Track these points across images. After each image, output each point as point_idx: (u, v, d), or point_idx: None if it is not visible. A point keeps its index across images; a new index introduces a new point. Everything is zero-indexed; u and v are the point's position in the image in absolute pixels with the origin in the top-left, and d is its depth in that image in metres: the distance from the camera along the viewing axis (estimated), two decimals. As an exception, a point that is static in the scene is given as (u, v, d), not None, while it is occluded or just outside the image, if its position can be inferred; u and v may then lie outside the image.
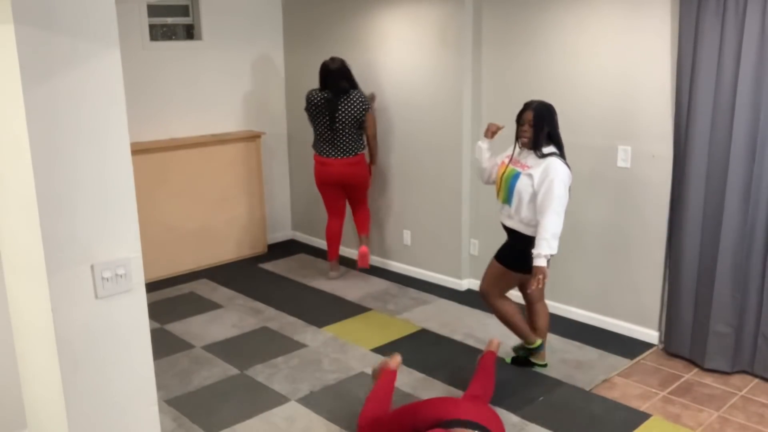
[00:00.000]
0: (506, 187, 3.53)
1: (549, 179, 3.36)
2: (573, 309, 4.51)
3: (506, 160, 3.61)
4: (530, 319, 3.83)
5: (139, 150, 5.01)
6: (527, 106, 3.51)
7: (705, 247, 3.77)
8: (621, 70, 4.00)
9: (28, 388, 2.47)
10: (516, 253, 3.59)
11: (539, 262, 3.38)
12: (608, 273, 4.29)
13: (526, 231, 3.52)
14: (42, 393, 2.26)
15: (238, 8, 5.69)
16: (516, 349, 3.93)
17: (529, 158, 3.49)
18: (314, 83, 5.79)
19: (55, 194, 1.92)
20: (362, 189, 5.20)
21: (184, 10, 5.54)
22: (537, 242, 3.37)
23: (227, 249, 5.78)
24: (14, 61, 1.81)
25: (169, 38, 5.55)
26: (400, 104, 5.16)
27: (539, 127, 3.43)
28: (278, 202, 6.28)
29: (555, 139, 3.48)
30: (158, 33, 5.46)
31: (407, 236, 5.34)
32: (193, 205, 5.51)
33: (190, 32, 5.61)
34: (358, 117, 4.92)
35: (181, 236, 5.48)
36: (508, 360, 3.92)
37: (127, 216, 2.07)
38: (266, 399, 3.56)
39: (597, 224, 4.28)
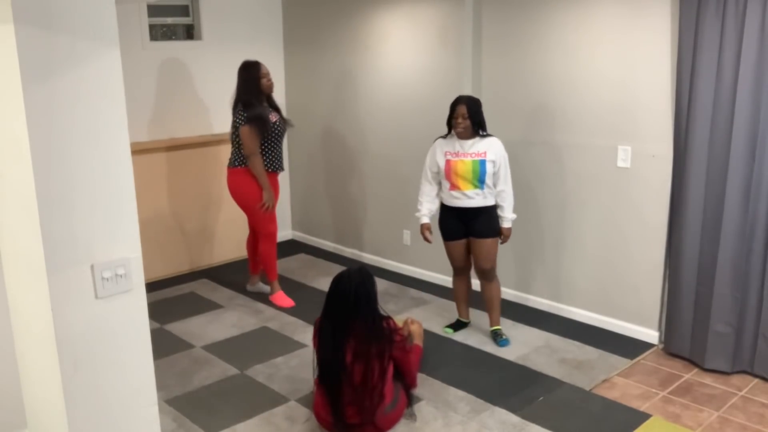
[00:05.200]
0: (476, 178, 3.90)
1: (503, 156, 3.95)
2: (573, 309, 4.51)
3: (451, 157, 3.94)
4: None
5: (139, 150, 5.01)
6: (458, 100, 3.94)
7: (705, 247, 3.77)
8: (621, 69, 4.00)
9: (28, 388, 2.47)
10: (494, 222, 4.04)
11: (510, 224, 4.05)
12: (608, 273, 4.29)
13: (492, 202, 4.00)
14: (42, 393, 2.26)
15: (238, 8, 5.69)
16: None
17: (476, 144, 3.92)
18: (314, 83, 5.80)
19: (55, 194, 1.92)
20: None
21: (184, 10, 5.53)
22: (507, 208, 4.00)
23: (227, 249, 5.78)
24: (14, 61, 1.81)
25: (169, 38, 5.54)
26: (400, 104, 5.16)
27: (474, 117, 3.90)
28: (278, 202, 6.26)
29: (483, 125, 3.98)
30: (158, 33, 5.46)
31: (407, 236, 5.34)
32: (193, 205, 5.51)
33: (190, 32, 5.60)
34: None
35: (181, 236, 5.48)
36: (450, 331, 4.34)
37: (127, 216, 2.07)
38: (266, 399, 3.56)
39: (597, 224, 4.28)
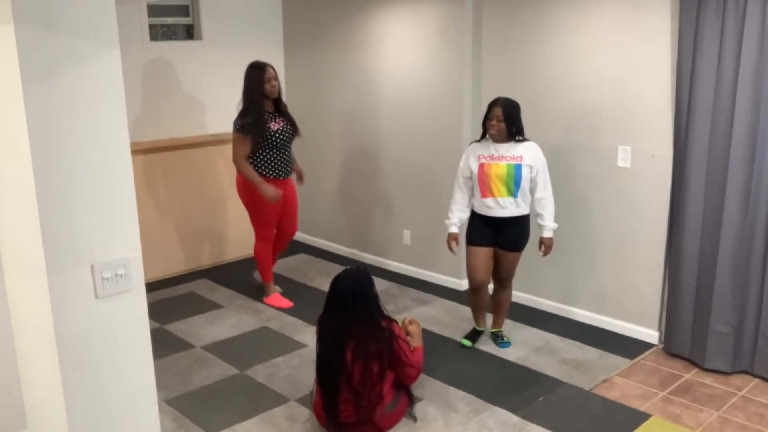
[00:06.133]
0: (511, 183, 3.76)
1: (541, 161, 3.80)
2: (573, 309, 4.51)
3: (485, 160, 3.80)
4: (495, 300, 4.18)
5: (139, 150, 5.01)
6: (495, 102, 3.80)
7: (705, 247, 3.77)
8: (621, 69, 4.00)
9: (29, 388, 2.47)
10: (524, 235, 3.91)
11: (551, 233, 3.88)
12: (608, 273, 4.29)
13: (526, 211, 3.86)
14: (42, 393, 2.26)
15: (238, 8, 5.69)
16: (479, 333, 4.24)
17: (511, 149, 3.79)
18: (314, 83, 5.80)
19: (55, 194, 1.92)
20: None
21: (184, 10, 5.53)
22: (547, 216, 3.83)
23: (227, 249, 5.78)
24: (14, 61, 1.81)
25: (169, 38, 5.54)
26: (399, 104, 5.16)
27: (510, 120, 3.76)
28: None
29: (520, 129, 3.84)
30: (158, 33, 5.46)
31: (407, 236, 5.34)
32: (193, 205, 5.51)
33: (190, 32, 5.60)
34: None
35: (181, 236, 5.48)
36: (468, 343, 4.16)
37: (127, 216, 2.07)
38: (266, 399, 3.56)
39: (597, 224, 4.28)
